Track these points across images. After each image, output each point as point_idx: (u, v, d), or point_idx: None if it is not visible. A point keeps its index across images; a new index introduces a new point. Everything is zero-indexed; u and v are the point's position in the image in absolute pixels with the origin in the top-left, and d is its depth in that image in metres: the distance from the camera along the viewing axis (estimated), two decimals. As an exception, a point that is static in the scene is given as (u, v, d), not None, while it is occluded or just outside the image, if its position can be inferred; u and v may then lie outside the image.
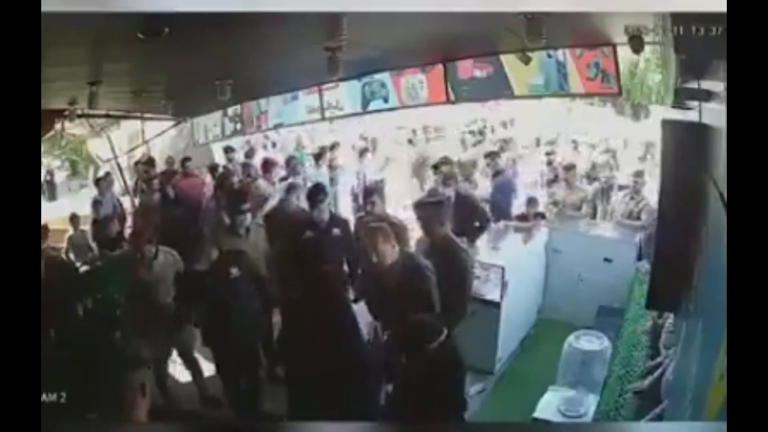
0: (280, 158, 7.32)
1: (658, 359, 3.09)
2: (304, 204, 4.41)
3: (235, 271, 3.44)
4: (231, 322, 3.38)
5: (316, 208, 4.15)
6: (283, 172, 6.43)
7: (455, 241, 3.57)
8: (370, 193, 4.17)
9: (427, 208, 3.64)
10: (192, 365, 3.95)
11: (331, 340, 2.82)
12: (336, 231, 4.20)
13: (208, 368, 3.94)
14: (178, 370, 4.08)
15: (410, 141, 11.20)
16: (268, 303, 3.73)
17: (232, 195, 4.74)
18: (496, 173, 6.20)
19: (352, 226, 4.45)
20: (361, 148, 8.71)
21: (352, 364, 2.85)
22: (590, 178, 6.65)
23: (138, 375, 1.81)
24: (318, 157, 7.44)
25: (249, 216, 4.15)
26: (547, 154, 7.76)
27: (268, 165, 6.36)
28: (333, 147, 8.06)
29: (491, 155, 6.55)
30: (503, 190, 6.01)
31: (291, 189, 4.73)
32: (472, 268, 3.75)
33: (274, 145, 8.92)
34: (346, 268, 4.18)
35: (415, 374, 2.53)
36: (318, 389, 2.81)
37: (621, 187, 6.01)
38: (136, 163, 7.10)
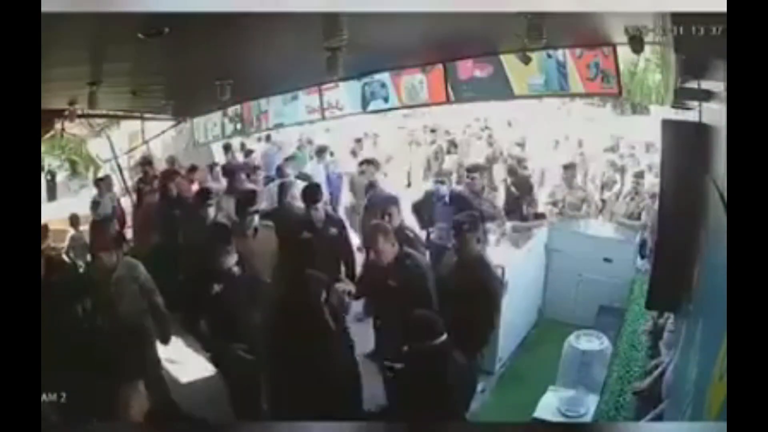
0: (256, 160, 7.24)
1: (658, 359, 3.09)
2: (299, 203, 4.38)
3: (237, 270, 3.42)
4: (233, 320, 3.37)
5: (312, 208, 4.14)
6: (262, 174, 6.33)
7: (489, 265, 3.40)
8: (387, 204, 4.09)
9: (461, 227, 3.37)
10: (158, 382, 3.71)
11: (309, 343, 2.84)
12: (333, 231, 4.19)
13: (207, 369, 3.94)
14: (178, 370, 4.09)
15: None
16: (265, 302, 3.70)
17: (242, 195, 4.61)
18: (369, 185, 5.08)
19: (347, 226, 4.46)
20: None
21: (332, 368, 2.87)
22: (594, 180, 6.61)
23: (132, 375, 1.81)
24: (320, 152, 7.39)
25: (257, 217, 4.09)
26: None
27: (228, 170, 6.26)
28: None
29: (366, 163, 5.34)
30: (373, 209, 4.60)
31: (284, 189, 4.70)
32: (502, 296, 3.61)
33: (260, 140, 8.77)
34: (343, 268, 4.17)
35: (416, 368, 2.54)
36: (305, 392, 2.84)
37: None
38: (140, 165, 7.05)
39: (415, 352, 2.54)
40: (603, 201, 5.81)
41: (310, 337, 2.95)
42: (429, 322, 2.59)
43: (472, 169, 5.36)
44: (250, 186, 5.61)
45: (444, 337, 2.52)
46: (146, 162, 6.86)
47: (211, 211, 4.49)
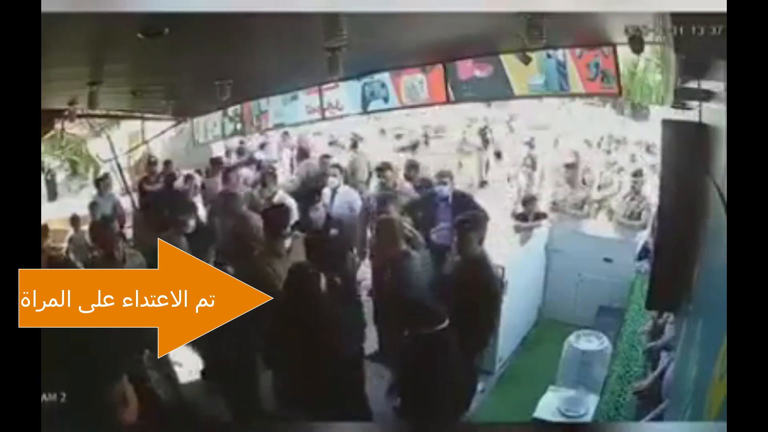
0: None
1: (658, 359, 3.09)
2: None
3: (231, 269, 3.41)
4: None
5: (312, 209, 4.12)
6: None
7: (490, 267, 3.40)
8: (384, 203, 4.06)
9: (463, 226, 3.33)
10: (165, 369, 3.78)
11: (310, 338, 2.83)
12: (333, 231, 4.18)
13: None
14: (177, 370, 4.07)
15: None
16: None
17: (272, 216, 3.89)
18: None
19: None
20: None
21: (336, 363, 2.86)
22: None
23: (125, 372, 1.81)
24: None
25: (288, 240, 3.61)
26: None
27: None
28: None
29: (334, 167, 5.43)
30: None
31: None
32: (502, 297, 3.64)
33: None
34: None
35: (415, 357, 2.54)
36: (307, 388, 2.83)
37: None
38: (149, 163, 6.97)
39: (415, 338, 2.53)
40: (601, 200, 5.81)
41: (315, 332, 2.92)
42: (430, 309, 2.59)
43: (383, 168, 5.40)
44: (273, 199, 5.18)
45: (445, 323, 2.52)
46: (152, 162, 6.82)
47: (192, 223, 4.34)
